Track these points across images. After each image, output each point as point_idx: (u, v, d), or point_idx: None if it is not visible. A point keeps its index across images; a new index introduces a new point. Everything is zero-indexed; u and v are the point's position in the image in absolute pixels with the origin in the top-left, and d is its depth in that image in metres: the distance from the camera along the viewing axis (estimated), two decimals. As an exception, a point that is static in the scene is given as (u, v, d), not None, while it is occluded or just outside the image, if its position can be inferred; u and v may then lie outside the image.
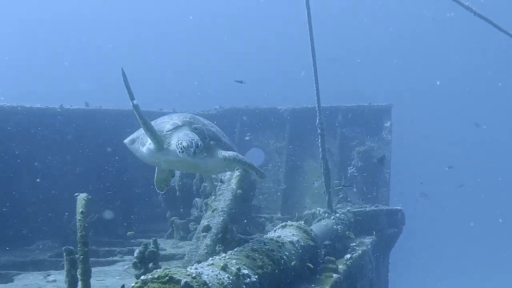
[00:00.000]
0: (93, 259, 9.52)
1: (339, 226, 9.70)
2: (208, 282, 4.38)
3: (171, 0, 62.43)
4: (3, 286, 7.98)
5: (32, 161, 11.71)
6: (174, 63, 57.92)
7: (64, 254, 5.50)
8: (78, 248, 5.45)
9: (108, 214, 11.58)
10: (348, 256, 8.31)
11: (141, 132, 5.85)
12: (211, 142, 5.89)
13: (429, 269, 39.95)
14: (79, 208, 5.63)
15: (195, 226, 10.40)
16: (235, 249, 5.78)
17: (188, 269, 4.58)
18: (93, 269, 8.59)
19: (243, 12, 61.31)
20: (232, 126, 15.03)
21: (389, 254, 12.02)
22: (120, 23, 62.55)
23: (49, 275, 8.58)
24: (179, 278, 4.13)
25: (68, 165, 12.03)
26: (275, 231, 7.42)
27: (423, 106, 55.37)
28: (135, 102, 5.36)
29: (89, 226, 10.64)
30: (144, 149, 5.81)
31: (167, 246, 10.60)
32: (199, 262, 6.89)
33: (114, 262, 9.59)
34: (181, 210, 11.52)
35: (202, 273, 4.48)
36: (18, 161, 11.52)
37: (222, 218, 8.10)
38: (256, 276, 5.16)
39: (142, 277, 4.30)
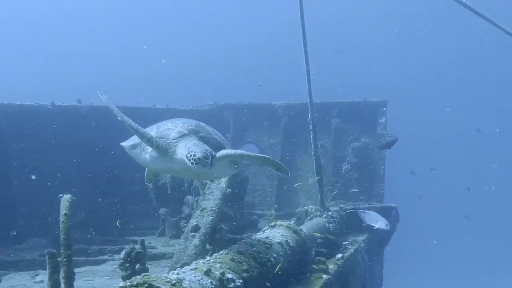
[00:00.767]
0: (82, 258, 9.56)
1: (331, 225, 9.64)
2: (189, 289, 4.30)
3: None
4: (-10, 286, 7.92)
5: (23, 159, 11.61)
6: (168, 59, 57.81)
7: (47, 257, 5.42)
8: (61, 251, 5.36)
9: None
10: (340, 255, 8.23)
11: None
12: (215, 147, 5.78)
13: (426, 267, 39.91)
14: (63, 210, 5.55)
15: (186, 224, 10.31)
16: (221, 252, 5.69)
17: (169, 274, 4.49)
18: (82, 269, 8.62)
19: (237, 6, 61.14)
20: (226, 122, 14.94)
21: (383, 251, 11.94)
22: (112, 19, 62.46)
23: (37, 275, 8.50)
24: (158, 285, 4.04)
25: (59, 163, 11.93)
26: (264, 231, 7.32)
27: (418, 102, 55.25)
28: (131, 123, 5.39)
29: (79, 224, 10.63)
30: (147, 156, 5.73)
31: (158, 244, 10.53)
32: (186, 263, 6.83)
33: (103, 261, 9.52)
34: (173, 207, 11.44)
35: (183, 279, 4.40)
36: (9, 159, 11.44)
37: (211, 217, 8.01)
38: (241, 280, 5.07)
39: (121, 284, 4.19)
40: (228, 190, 9.08)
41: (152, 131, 5.73)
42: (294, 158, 14.61)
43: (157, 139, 5.53)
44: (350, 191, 13.38)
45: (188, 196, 10.89)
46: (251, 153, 5.90)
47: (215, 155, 5.38)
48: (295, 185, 11.94)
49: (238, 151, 5.86)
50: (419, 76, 57.60)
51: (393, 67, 55.32)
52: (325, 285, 6.83)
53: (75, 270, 5.42)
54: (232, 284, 4.89)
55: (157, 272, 7.44)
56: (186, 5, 61.68)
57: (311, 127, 10.21)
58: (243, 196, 11.36)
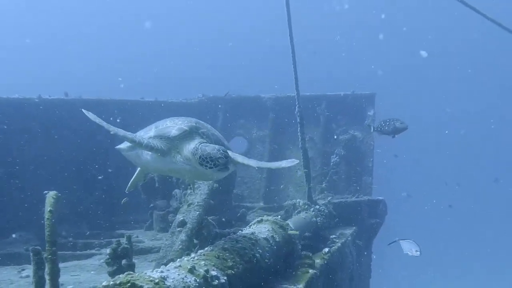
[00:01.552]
0: (70, 252, 9.55)
1: (319, 218, 9.67)
2: (172, 287, 4.29)
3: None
4: (-25, 281, 7.88)
5: (9, 152, 11.55)
6: (155, 51, 57.59)
7: (31, 254, 5.41)
8: (46, 248, 5.33)
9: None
10: (326, 249, 8.25)
11: (143, 135, 5.71)
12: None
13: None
14: (48, 206, 5.53)
15: (174, 218, 10.32)
16: (206, 249, 5.69)
17: (153, 272, 4.48)
18: (69, 263, 8.61)
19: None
20: (215, 114, 14.92)
21: (371, 244, 11.98)
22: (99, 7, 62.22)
23: (23, 269, 8.46)
24: (141, 284, 4.04)
25: (46, 156, 11.88)
26: (250, 226, 7.33)
27: (406, 94, 55.32)
28: (125, 134, 5.39)
29: (65, 218, 10.59)
30: (148, 157, 5.64)
31: (146, 238, 10.52)
32: (172, 259, 6.84)
33: (91, 255, 9.50)
34: (161, 201, 11.42)
35: (167, 277, 4.39)
36: (-6, 152, 11.41)
37: (197, 212, 8.02)
38: (226, 277, 5.07)
39: (104, 283, 4.17)
40: (215, 185, 9.10)
41: (151, 131, 5.67)
42: (283, 151, 14.61)
43: (156, 142, 5.46)
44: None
45: (176, 190, 10.87)
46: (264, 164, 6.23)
47: (230, 156, 5.34)
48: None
49: (252, 161, 5.92)
50: (407, 68, 57.60)
51: (381, 60, 55.27)
52: (311, 280, 6.85)
53: (62, 264, 5.44)
54: (217, 281, 4.88)
55: (144, 267, 7.51)
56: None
57: (298, 119, 10.22)
58: (231, 190, 11.36)
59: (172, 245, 7.55)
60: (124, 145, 5.99)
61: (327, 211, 10.12)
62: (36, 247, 5.37)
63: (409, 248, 10.62)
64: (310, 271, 7.05)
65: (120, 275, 4.24)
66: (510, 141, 52.53)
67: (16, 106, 11.76)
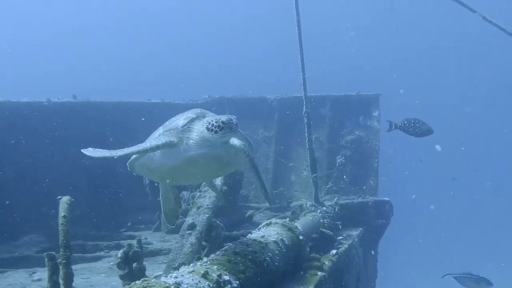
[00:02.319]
0: (79, 254, 9.59)
1: (326, 220, 9.71)
2: (187, 293, 4.38)
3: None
4: (-12, 285, 7.96)
5: (19, 155, 11.64)
6: (161, 52, 57.67)
7: (46, 259, 5.49)
8: (60, 252, 5.43)
9: None
10: (334, 251, 8.33)
11: (149, 139, 5.64)
12: None
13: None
14: (62, 212, 5.61)
15: (182, 220, 10.38)
16: (217, 253, 5.77)
17: (167, 278, 4.56)
18: (79, 266, 8.68)
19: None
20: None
21: (377, 245, 12.05)
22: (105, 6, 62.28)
23: (34, 273, 8.53)
24: (157, 291, 4.12)
25: (55, 158, 11.98)
26: (259, 229, 7.40)
27: (411, 95, 55.23)
28: (132, 149, 5.31)
29: (74, 220, 10.66)
30: (160, 156, 5.51)
31: (154, 239, 10.57)
32: (183, 263, 6.92)
33: (100, 258, 9.54)
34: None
35: (181, 283, 4.47)
36: (4, 155, 11.47)
37: (207, 215, 8.08)
38: (238, 282, 5.15)
39: (121, 290, 4.25)
40: (224, 187, 9.17)
41: (159, 130, 5.64)
42: (289, 151, 14.69)
43: (163, 137, 5.37)
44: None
45: (183, 192, 10.94)
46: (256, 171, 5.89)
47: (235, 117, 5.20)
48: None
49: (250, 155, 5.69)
50: (412, 69, 57.51)
51: (386, 60, 55.21)
52: (320, 282, 6.93)
53: (72, 267, 5.50)
54: (229, 285, 4.96)
55: (153, 269, 7.59)
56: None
57: (305, 120, 10.29)
58: (238, 191, 11.43)
59: (182, 248, 7.62)
60: (134, 156, 5.86)
61: (333, 212, 10.18)
62: (50, 252, 5.46)
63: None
64: (319, 273, 7.13)
65: (136, 282, 4.31)
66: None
67: (26, 109, 11.85)
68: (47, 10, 61.75)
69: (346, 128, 14.41)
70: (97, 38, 59.38)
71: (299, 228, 7.69)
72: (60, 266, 5.43)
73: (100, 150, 5.43)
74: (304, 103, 10.26)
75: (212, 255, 5.63)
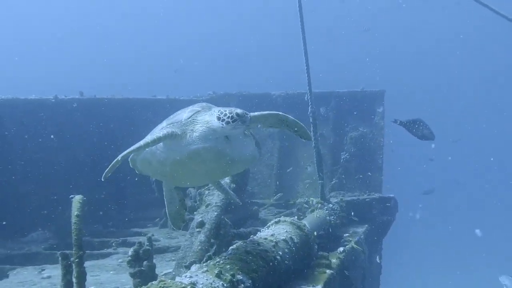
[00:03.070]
0: (87, 251, 9.63)
1: (332, 217, 9.76)
2: (202, 292, 4.43)
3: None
4: (-1, 282, 8.02)
5: (27, 152, 11.71)
6: (167, 49, 57.61)
7: (60, 259, 5.54)
8: (73, 252, 5.48)
9: None
10: (341, 249, 8.36)
11: (152, 133, 5.45)
12: None
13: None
14: (75, 211, 5.66)
15: (189, 217, 10.42)
16: (229, 252, 5.81)
17: (182, 278, 4.61)
18: (88, 263, 8.61)
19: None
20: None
21: (382, 241, 12.09)
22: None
23: (43, 270, 8.60)
24: (174, 291, 4.18)
25: (62, 155, 12.03)
26: (268, 227, 7.44)
27: (416, 91, 55.15)
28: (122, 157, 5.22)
29: (81, 215, 10.70)
30: (162, 150, 5.37)
31: (160, 236, 10.62)
32: (194, 261, 6.95)
33: (108, 254, 9.59)
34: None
35: (197, 282, 4.52)
36: (12, 152, 11.54)
37: (215, 213, 8.11)
38: (250, 281, 5.20)
39: (138, 290, 4.30)
40: (232, 185, 9.22)
41: (162, 124, 5.47)
42: (293, 148, 14.70)
43: (165, 130, 5.20)
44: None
45: (190, 189, 10.97)
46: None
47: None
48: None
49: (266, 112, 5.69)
50: (417, 66, 57.42)
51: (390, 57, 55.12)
52: (329, 280, 6.98)
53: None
54: (242, 285, 5.02)
55: (162, 267, 7.63)
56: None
57: (311, 120, 10.31)
58: (244, 187, 11.46)
59: (191, 246, 7.65)
60: (134, 155, 5.79)
61: (339, 209, 10.21)
62: (64, 251, 5.51)
63: None
64: (327, 271, 7.17)
65: (153, 282, 4.38)
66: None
67: (34, 106, 11.92)
68: (49, 9, 61.71)
69: (350, 124, 14.41)
70: (99, 37, 59.47)
71: (307, 225, 7.74)
72: (73, 265, 5.49)
73: (108, 167, 5.38)
74: (310, 103, 10.28)
75: (224, 254, 5.67)
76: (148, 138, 5.19)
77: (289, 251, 6.58)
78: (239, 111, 4.98)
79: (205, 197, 8.77)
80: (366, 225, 10.59)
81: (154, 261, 6.89)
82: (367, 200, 11.30)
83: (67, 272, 5.52)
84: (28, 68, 53.09)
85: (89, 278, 7.67)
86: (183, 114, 5.31)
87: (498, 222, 44.70)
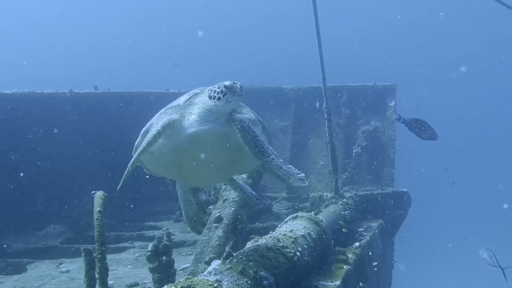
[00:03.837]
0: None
1: (347, 212, 9.77)
2: (228, 290, 4.48)
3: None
4: (17, 277, 8.06)
5: (42, 146, 11.78)
6: (178, 44, 57.61)
7: (83, 254, 5.60)
8: (96, 247, 5.53)
9: None
10: (357, 244, 8.39)
11: (151, 122, 5.19)
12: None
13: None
14: (97, 207, 5.68)
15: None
16: (250, 248, 5.84)
17: (207, 276, 4.65)
18: (105, 257, 8.75)
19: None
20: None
21: (394, 236, 12.12)
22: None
23: (61, 263, 8.67)
24: (201, 289, 4.22)
25: (76, 148, 12.09)
26: (286, 222, 7.46)
27: (427, 85, 54.87)
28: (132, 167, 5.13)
29: (103, 211, 10.78)
30: (162, 140, 5.00)
31: (176, 230, 10.65)
32: (214, 257, 7.01)
33: (124, 248, 9.66)
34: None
35: (222, 280, 4.56)
36: (28, 146, 11.61)
37: (233, 208, 8.18)
38: (273, 278, 5.24)
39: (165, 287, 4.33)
40: (249, 180, 9.25)
41: (161, 110, 5.19)
42: (305, 141, 14.72)
43: (162, 119, 4.93)
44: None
45: (204, 183, 11.01)
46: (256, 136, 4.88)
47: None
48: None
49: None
50: (429, 61, 57.14)
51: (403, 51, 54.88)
52: (346, 276, 7.01)
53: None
54: (265, 281, 5.05)
55: (179, 261, 7.67)
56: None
57: (325, 115, 10.32)
58: (259, 181, 11.49)
59: (209, 241, 7.71)
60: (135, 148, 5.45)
61: (354, 204, 10.23)
62: (87, 247, 5.56)
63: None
64: (345, 266, 7.19)
65: (180, 280, 4.41)
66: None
67: (49, 100, 11.97)
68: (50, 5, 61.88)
69: (362, 118, 14.40)
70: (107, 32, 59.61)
71: (324, 221, 7.76)
72: (96, 261, 5.54)
73: (122, 179, 5.35)
74: (324, 99, 10.29)
75: (246, 250, 5.70)
76: (149, 136, 4.90)
77: (308, 247, 6.61)
78: (227, 82, 4.70)
79: (222, 192, 8.82)
80: (380, 220, 10.60)
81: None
82: (380, 194, 11.29)
83: (90, 267, 5.58)
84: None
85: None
86: (183, 97, 5.08)
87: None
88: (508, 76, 55.28)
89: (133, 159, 5.12)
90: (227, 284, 4.54)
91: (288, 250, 6.00)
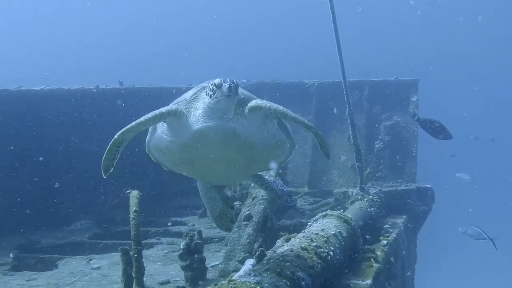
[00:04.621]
0: (130, 241, 9.69)
1: (373, 208, 9.79)
2: (270, 293, 4.53)
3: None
4: (49, 273, 8.12)
5: (69, 141, 11.88)
6: (202, 38, 57.61)
7: (120, 254, 5.68)
8: (132, 246, 5.61)
9: None
10: (385, 242, 8.42)
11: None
12: (244, 98, 4.71)
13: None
14: (133, 206, 5.76)
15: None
16: (285, 248, 5.89)
17: (247, 277, 4.68)
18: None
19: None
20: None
21: (418, 232, 12.12)
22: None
23: (90, 260, 8.74)
24: (246, 292, 4.28)
25: (103, 144, 12.13)
26: (316, 220, 7.49)
27: (450, 80, 54.40)
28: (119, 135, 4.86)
29: (121, 204, 10.84)
30: (167, 129, 4.81)
31: (201, 226, 10.64)
32: (247, 256, 7.06)
33: (152, 245, 9.69)
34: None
35: (262, 282, 4.60)
36: (55, 142, 11.70)
37: (262, 206, 8.24)
38: (310, 278, 5.29)
39: (208, 290, 4.37)
40: (277, 178, 9.28)
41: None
42: (327, 136, 14.71)
43: (170, 106, 4.65)
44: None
45: (230, 179, 11.03)
46: (293, 114, 4.72)
47: (236, 82, 4.39)
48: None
49: (274, 105, 4.65)
50: (452, 55, 56.67)
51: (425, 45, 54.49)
52: (377, 274, 7.05)
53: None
54: (303, 282, 5.10)
55: (208, 258, 7.71)
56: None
57: (349, 121, 10.37)
58: (284, 177, 11.55)
59: (239, 239, 7.77)
60: (147, 141, 5.31)
61: (379, 200, 10.25)
62: (125, 247, 5.64)
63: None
64: (375, 264, 7.24)
65: (223, 282, 4.47)
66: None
67: (76, 96, 12.05)
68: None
69: (384, 113, 14.38)
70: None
71: (354, 220, 7.79)
72: (133, 260, 5.61)
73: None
74: (347, 105, 10.34)
75: (281, 251, 5.75)
76: (149, 114, 4.63)
77: (340, 246, 6.65)
78: (216, 80, 4.38)
79: (251, 189, 8.87)
80: (405, 216, 10.61)
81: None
82: (405, 190, 11.30)
83: (127, 266, 5.67)
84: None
85: (138, 270, 7.82)
86: (190, 91, 4.81)
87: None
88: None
89: (122, 130, 4.84)
90: (267, 286, 4.58)
91: (321, 249, 6.05)
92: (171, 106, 4.59)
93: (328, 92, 14.57)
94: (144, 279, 7.29)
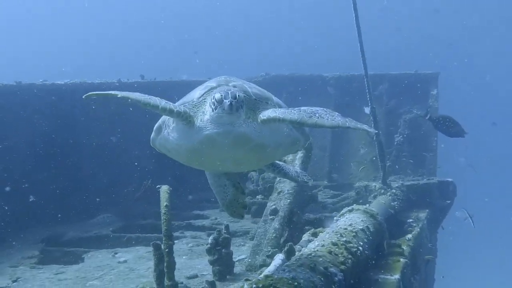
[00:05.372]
0: (154, 235, 9.72)
1: (396, 203, 9.78)
2: (304, 286, 4.54)
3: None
4: (76, 266, 8.19)
5: (92, 135, 11.94)
6: (222, 32, 57.59)
7: (152, 249, 5.71)
8: (163, 241, 5.66)
9: None
10: (410, 236, 8.42)
11: (164, 118, 4.75)
12: (256, 99, 4.43)
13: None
14: (163, 201, 5.81)
15: (251, 200, 10.54)
16: (317, 243, 5.90)
17: (283, 273, 4.70)
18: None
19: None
20: (279, 93, 15.06)
21: (438, 225, 12.09)
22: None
23: (116, 253, 8.79)
24: (282, 287, 4.30)
25: (125, 138, 12.20)
26: (343, 215, 7.50)
27: (470, 73, 53.94)
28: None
29: (143, 196, 10.85)
30: (174, 133, 4.54)
31: (224, 219, 10.64)
32: (276, 251, 7.09)
33: (176, 238, 9.68)
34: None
35: (297, 277, 4.61)
36: (78, 136, 11.76)
37: (288, 200, 8.26)
38: (342, 274, 5.30)
39: (245, 286, 4.38)
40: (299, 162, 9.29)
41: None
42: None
43: (178, 107, 4.31)
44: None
45: (252, 172, 11.08)
46: (311, 119, 4.32)
47: (239, 96, 4.11)
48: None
49: (289, 115, 4.24)
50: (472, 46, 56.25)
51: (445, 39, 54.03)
52: (404, 269, 7.06)
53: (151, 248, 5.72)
54: (336, 278, 5.13)
55: (233, 252, 7.73)
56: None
57: (371, 118, 10.34)
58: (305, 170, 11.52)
59: (265, 233, 7.80)
60: (153, 134, 5.04)
61: (401, 194, 10.24)
62: (156, 242, 5.67)
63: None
64: (401, 259, 7.25)
65: (260, 278, 4.48)
66: None
67: (99, 90, 12.06)
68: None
69: (404, 107, 14.35)
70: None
71: (380, 215, 7.79)
72: (164, 255, 5.65)
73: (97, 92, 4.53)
74: (369, 103, 10.33)
75: (313, 246, 5.77)
76: (160, 102, 4.28)
77: (368, 241, 6.67)
78: (217, 96, 4.11)
79: (276, 184, 8.89)
80: (427, 210, 10.58)
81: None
82: (427, 184, 11.27)
83: (159, 262, 5.70)
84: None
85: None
86: (197, 91, 4.51)
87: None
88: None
89: (121, 93, 4.51)
90: (303, 282, 4.60)
91: (351, 245, 6.06)
92: (180, 108, 4.28)
93: (347, 85, 14.58)
94: (172, 273, 7.38)
